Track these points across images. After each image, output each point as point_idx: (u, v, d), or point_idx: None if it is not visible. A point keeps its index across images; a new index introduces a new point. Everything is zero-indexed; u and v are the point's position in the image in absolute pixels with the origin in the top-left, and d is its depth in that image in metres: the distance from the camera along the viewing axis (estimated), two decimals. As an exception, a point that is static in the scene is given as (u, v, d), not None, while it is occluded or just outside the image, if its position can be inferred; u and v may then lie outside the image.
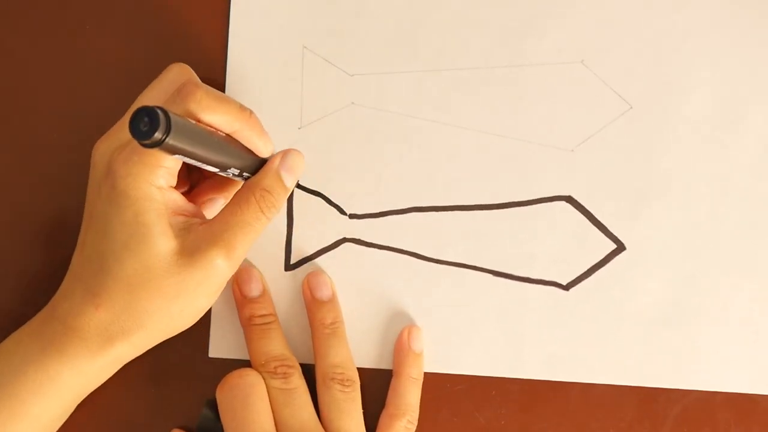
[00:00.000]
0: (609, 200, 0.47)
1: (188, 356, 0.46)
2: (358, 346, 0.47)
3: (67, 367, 0.41)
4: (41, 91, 0.48)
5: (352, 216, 0.47)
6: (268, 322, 0.45)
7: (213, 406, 0.45)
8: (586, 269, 0.47)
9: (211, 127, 0.40)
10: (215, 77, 0.47)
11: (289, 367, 0.44)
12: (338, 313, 0.46)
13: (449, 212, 0.47)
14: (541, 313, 0.47)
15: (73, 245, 0.43)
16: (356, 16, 0.48)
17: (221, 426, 0.44)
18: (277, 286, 0.47)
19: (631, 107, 0.47)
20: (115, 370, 0.43)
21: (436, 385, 0.47)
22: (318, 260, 0.47)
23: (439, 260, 0.47)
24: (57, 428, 0.43)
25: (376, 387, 0.46)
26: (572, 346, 0.46)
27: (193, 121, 0.38)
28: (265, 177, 0.43)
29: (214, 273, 0.40)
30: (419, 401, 0.46)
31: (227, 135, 0.42)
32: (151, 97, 0.42)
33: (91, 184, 0.42)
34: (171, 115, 0.35)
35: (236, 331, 0.46)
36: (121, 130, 0.42)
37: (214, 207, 0.45)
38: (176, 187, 0.41)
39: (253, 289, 0.46)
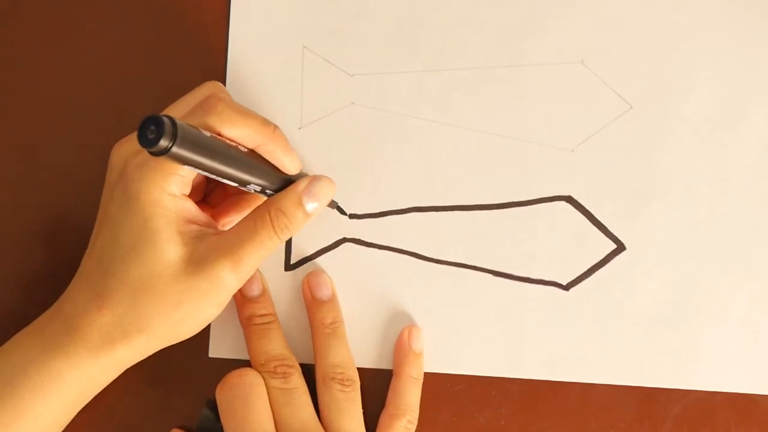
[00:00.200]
0: (609, 200, 0.47)
1: (188, 356, 0.46)
2: (358, 346, 0.47)
3: (69, 365, 0.41)
4: (41, 90, 0.48)
5: (352, 216, 0.47)
6: (268, 322, 0.45)
7: (213, 406, 0.45)
8: (586, 269, 0.47)
9: (233, 141, 0.40)
10: (215, 77, 0.47)
11: (289, 366, 0.44)
12: (338, 313, 0.46)
13: (449, 212, 0.47)
14: (541, 313, 0.47)
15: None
16: (356, 16, 0.48)
17: (221, 426, 0.44)
18: (277, 286, 0.47)
19: (631, 107, 0.47)
20: (118, 374, 0.43)
21: (436, 385, 0.47)
22: (318, 260, 0.47)
23: (439, 260, 0.47)
24: (61, 429, 0.43)
25: (376, 387, 0.46)
26: (572, 346, 0.46)
27: (208, 133, 0.38)
28: (285, 198, 0.42)
29: (220, 284, 0.40)
30: (419, 401, 0.46)
31: (250, 150, 0.41)
32: (178, 109, 0.42)
33: (107, 186, 0.43)
34: (179, 124, 0.35)
35: (236, 331, 0.46)
36: None
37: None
38: (190, 196, 0.41)
39: (253, 289, 0.46)
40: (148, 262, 0.39)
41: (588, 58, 0.47)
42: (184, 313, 0.40)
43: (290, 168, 0.43)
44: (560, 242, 0.47)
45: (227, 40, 0.48)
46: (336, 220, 0.47)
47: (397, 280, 0.47)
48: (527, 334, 0.47)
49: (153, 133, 0.34)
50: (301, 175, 0.44)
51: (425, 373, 0.46)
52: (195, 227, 0.41)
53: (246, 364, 0.46)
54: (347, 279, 0.47)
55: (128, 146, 0.42)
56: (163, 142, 0.34)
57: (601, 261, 0.47)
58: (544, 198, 0.47)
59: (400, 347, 0.46)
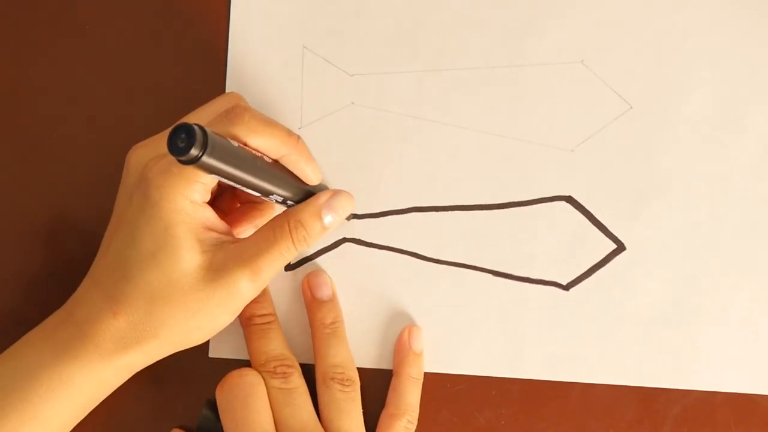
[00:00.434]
0: (609, 200, 0.47)
1: (188, 356, 0.46)
2: (358, 346, 0.47)
3: (80, 370, 0.40)
4: (41, 90, 0.48)
5: (352, 216, 0.47)
6: (268, 322, 0.45)
7: (213, 406, 0.45)
8: (586, 269, 0.47)
9: (258, 151, 0.40)
10: (215, 77, 0.47)
11: (289, 366, 0.44)
12: (338, 313, 0.46)
13: (449, 212, 0.47)
14: (541, 313, 0.47)
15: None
16: (356, 16, 0.48)
17: (221, 426, 0.44)
18: (277, 286, 0.47)
19: (631, 107, 0.47)
20: (127, 378, 0.43)
21: (436, 385, 0.47)
22: (318, 260, 0.47)
23: (439, 260, 0.47)
24: (69, 431, 0.43)
25: (376, 387, 0.46)
26: (572, 346, 0.46)
27: (235, 143, 0.38)
28: (305, 210, 0.42)
29: (237, 293, 0.40)
30: (419, 401, 0.46)
31: (274, 161, 0.41)
32: (198, 118, 0.42)
33: (123, 189, 0.42)
34: (210, 133, 0.35)
35: (236, 331, 0.46)
36: (161, 139, 0.42)
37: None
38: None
39: (253, 289, 0.46)
40: (167, 269, 0.39)
41: (588, 58, 0.47)
42: (200, 321, 0.40)
43: (312, 178, 0.43)
44: (560, 242, 0.47)
45: (227, 40, 0.48)
46: (336, 220, 0.47)
47: (397, 280, 0.47)
48: (527, 334, 0.47)
49: (183, 141, 0.34)
50: (321, 187, 0.44)
51: (425, 373, 0.46)
52: (214, 235, 0.41)
53: (246, 364, 0.46)
54: (347, 279, 0.47)
55: (147, 150, 0.42)
56: (194, 151, 0.34)
57: (601, 261, 0.47)
58: (544, 198, 0.47)
59: (400, 347, 0.46)
